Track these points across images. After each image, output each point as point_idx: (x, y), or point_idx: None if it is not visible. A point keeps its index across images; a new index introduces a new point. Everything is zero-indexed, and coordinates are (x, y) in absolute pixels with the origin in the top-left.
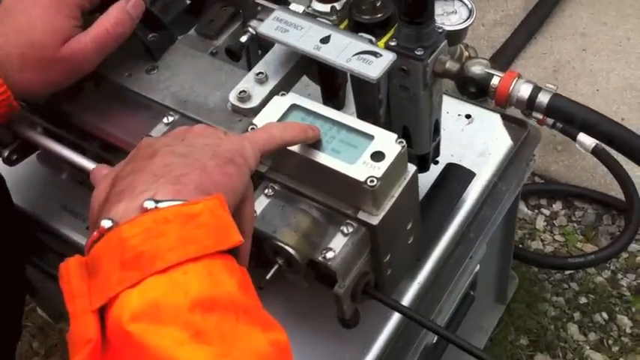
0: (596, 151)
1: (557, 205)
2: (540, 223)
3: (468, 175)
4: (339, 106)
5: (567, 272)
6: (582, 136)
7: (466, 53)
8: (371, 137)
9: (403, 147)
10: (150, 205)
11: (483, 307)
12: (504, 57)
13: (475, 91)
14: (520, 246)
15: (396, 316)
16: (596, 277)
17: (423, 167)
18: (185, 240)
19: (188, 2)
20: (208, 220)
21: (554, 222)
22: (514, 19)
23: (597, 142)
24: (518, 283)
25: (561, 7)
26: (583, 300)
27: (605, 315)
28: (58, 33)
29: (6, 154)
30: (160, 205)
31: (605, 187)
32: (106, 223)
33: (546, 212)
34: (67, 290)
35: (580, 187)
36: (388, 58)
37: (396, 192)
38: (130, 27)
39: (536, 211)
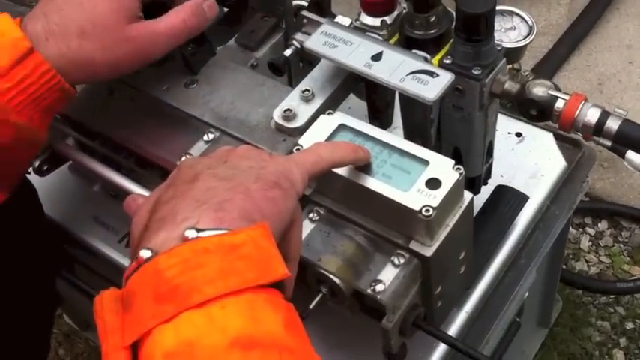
0: None
1: (603, 225)
2: (585, 242)
3: (520, 199)
4: (386, 124)
5: (613, 296)
6: (631, 154)
7: (509, 66)
8: (426, 163)
9: (461, 174)
10: (191, 234)
11: (526, 331)
12: (547, 68)
13: (536, 114)
14: (564, 267)
15: (441, 347)
16: None
17: (473, 190)
18: (225, 272)
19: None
20: (251, 252)
21: (600, 242)
22: (557, 29)
23: None
24: (562, 305)
25: (606, 18)
26: (630, 325)
27: None
28: (123, 11)
29: (37, 164)
30: (202, 234)
31: None
32: (144, 253)
33: (591, 232)
34: (100, 325)
35: (627, 206)
36: (446, 78)
37: (452, 221)
38: (204, 23)
39: (581, 230)
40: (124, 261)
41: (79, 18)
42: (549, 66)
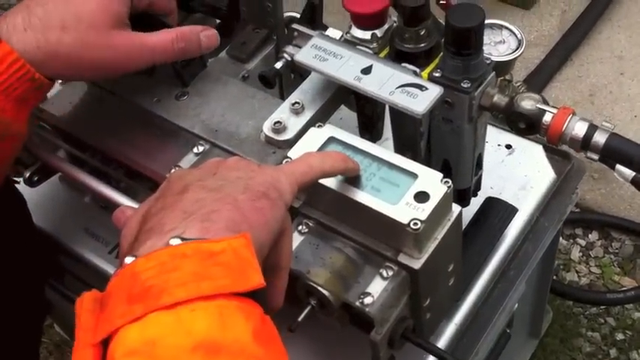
0: (635, 181)
1: (594, 236)
2: (576, 253)
3: (509, 211)
4: (376, 137)
5: (603, 307)
6: (621, 165)
7: (500, 77)
8: (414, 176)
9: (449, 187)
10: (175, 242)
11: (516, 342)
12: (539, 79)
13: (525, 127)
14: (555, 277)
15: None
16: (634, 312)
17: (462, 201)
18: (199, 276)
19: (217, 22)
20: (230, 260)
21: (590, 253)
22: (549, 40)
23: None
24: (553, 316)
25: (598, 29)
26: (620, 336)
27: None
28: (111, 14)
29: (27, 175)
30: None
31: None
32: (128, 260)
33: (582, 242)
34: (76, 325)
35: (617, 217)
36: (435, 92)
37: (440, 234)
38: (195, 51)
39: (572, 241)
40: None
41: (63, 12)
42: (541, 77)
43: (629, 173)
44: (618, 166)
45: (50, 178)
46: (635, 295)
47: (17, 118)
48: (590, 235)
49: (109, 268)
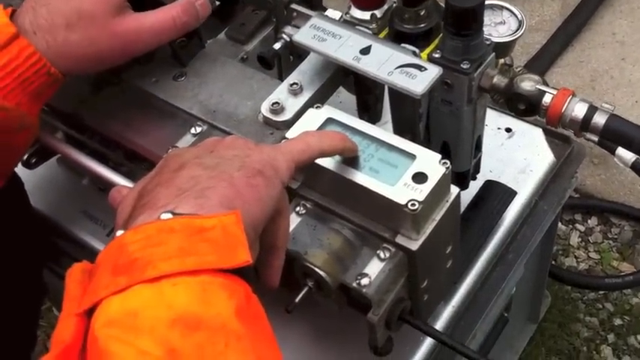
0: (635, 166)
1: (593, 221)
2: (575, 239)
3: (508, 194)
4: (375, 119)
5: (602, 292)
6: (621, 150)
7: (501, 61)
8: (413, 157)
9: (447, 168)
10: (166, 217)
11: (515, 327)
12: (540, 64)
13: (524, 108)
14: (553, 262)
15: (428, 341)
16: (632, 298)
17: (462, 184)
18: (185, 251)
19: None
20: (218, 236)
21: (589, 238)
22: (550, 25)
23: (638, 156)
24: (551, 301)
25: (599, 14)
26: (618, 322)
27: None
28: (109, 3)
29: (25, 157)
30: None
31: None
32: (119, 233)
33: (581, 228)
34: (64, 295)
35: (617, 202)
36: (434, 72)
37: (438, 215)
38: (194, 23)
39: (571, 226)
40: None
41: (65, 10)
42: (542, 62)
43: (629, 158)
44: (618, 152)
45: (48, 161)
46: (634, 280)
47: (31, 112)
48: (589, 221)
49: None
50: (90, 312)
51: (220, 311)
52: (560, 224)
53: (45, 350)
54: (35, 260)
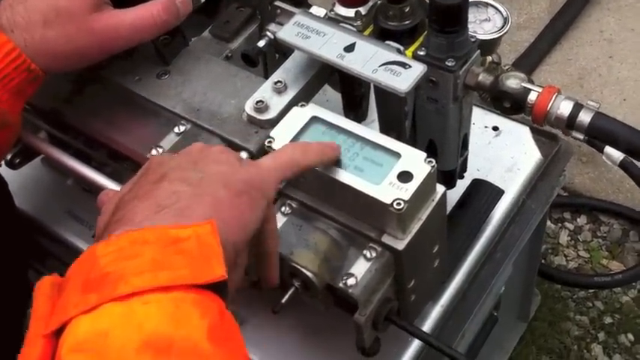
0: (623, 164)
1: (582, 220)
2: (564, 237)
3: (495, 193)
4: (361, 117)
5: (592, 290)
6: (610, 148)
7: (489, 59)
8: (398, 155)
9: (433, 167)
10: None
11: (504, 325)
12: (528, 62)
13: (510, 106)
14: (543, 261)
15: (416, 342)
16: (622, 296)
17: (448, 183)
18: (158, 265)
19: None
20: (193, 247)
21: (579, 237)
22: (538, 23)
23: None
24: (541, 300)
25: (587, 12)
26: (608, 320)
27: (631, 336)
28: (87, 0)
29: (9, 157)
30: None
31: (632, 202)
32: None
33: (570, 226)
34: (32, 311)
35: (606, 200)
36: (418, 69)
37: (424, 214)
38: (174, 21)
39: (560, 225)
40: None
41: (42, 7)
42: (530, 60)
43: (618, 156)
44: (607, 150)
45: (33, 161)
46: (623, 278)
47: (13, 110)
48: (578, 219)
49: None
50: (58, 331)
51: (191, 332)
52: (549, 223)
53: None
54: (20, 260)
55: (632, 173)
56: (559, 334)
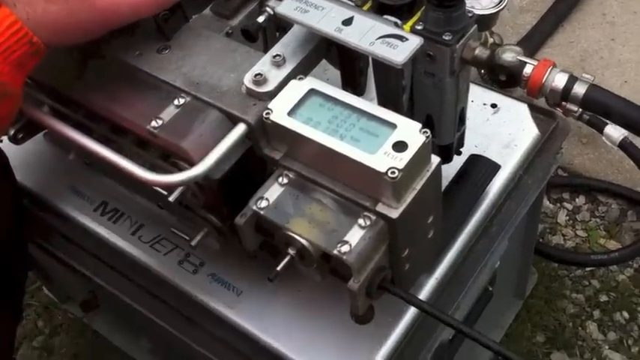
0: (623, 145)
1: (581, 200)
2: (562, 217)
3: (492, 168)
4: (359, 92)
5: (588, 269)
6: (610, 129)
7: (491, 40)
8: (393, 126)
9: (427, 137)
10: None
11: (500, 302)
12: (530, 45)
13: (505, 79)
14: (540, 240)
15: (410, 312)
16: (618, 274)
17: (445, 158)
18: None
19: None
20: None
21: (577, 217)
22: (541, 6)
23: (625, 135)
24: (538, 278)
25: None
26: (604, 298)
27: (626, 314)
28: None
29: (12, 132)
30: None
31: (631, 182)
32: None
33: (569, 206)
34: None
35: (605, 181)
36: (415, 42)
37: (418, 184)
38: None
39: (559, 204)
40: (100, 230)
41: None
42: (532, 43)
43: (617, 137)
44: (606, 130)
45: (35, 137)
46: (620, 256)
47: (14, 82)
48: (577, 199)
49: (94, 226)
50: None
51: None
52: (547, 203)
53: (35, 329)
54: (20, 236)
55: (632, 154)
56: (554, 311)
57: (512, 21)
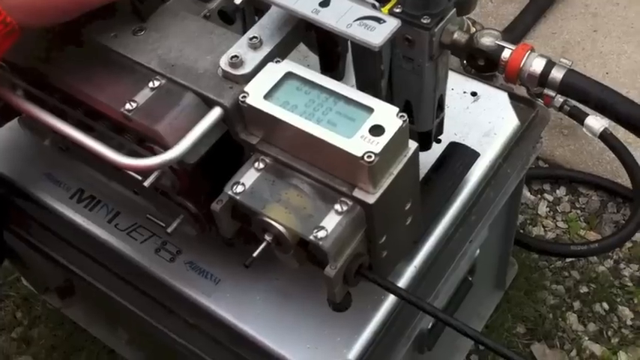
0: (603, 136)
1: (561, 191)
2: (543, 208)
3: (471, 156)
4: (338, 77)
5: (568, 260)
6: (590, 120)
7: (473, 29)
8: (370, 110)
9: (404, 121)
10: None
11: (481, 293)
12: (513, 35)
13: (484, 64)
14: (521, 231)
15: (389, 300)
16: (598, 266)
17: (424, 145)
18: None
19: None
20: None
21: (557, 208)
22: None
23: (605, 126)
24: (518, 269)
25: None
26: (584, 289)
27: (605, 305)
28: None
29: None
30: None
31: (611, 174)
32: None
33: (549, 198)
34: None
35: (585, 172)
36: (392, 24)
37: (395, 169)
38: None
39: (539, 196)
40: (76, 217)
41: None
42: (515, 33)
43: (598, 128)
44: (587, 122)
45: (10, 123)
46: (599, 247)
47: None
48: (557, 191)
49: (70, 214)
50: None
51: None
52: (528, 194)
53: (14, 320)
54: None
55: (612, 145)
56: (535, 302)
57: (495, 12)
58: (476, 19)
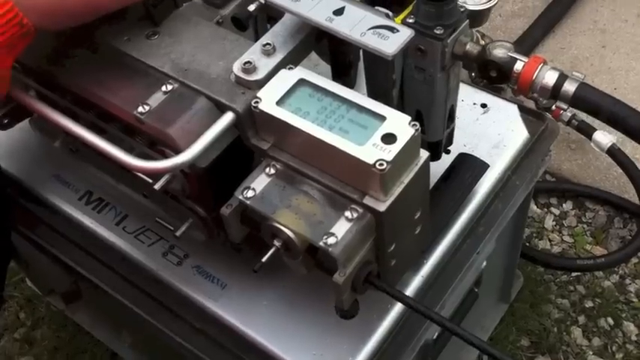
0: (611, 151)
1: (568, 205)
2: (549, 222)
3: (480, 167)
4: (349, 85)
5: (574, 274)
6: (598, 135)
7: (482, 42)
8: (382, 118)
9: (417, 130)
10: None
11: (486, 305)
12: (521, 49)
13: (496, 75)
14: (527, 244)
15: (396, 310)
16: (603, 281)
17: (434, 155)
18: None
19: None
20: None
21: (564, 222)
22: (533, 12)
23: (613, 142)
24: (523, 282)
25: (581, 2)
26: (589, 304)
27: (610, 320)
28: None
29: None
30: None
31: (618, 189)
32: None
33: (556, 212)
34: None
35: (592, 187)
36: (406, 34)
37: (406, 178)
38: None
39: (546, 209)
40: (84, 219)
41: None
42: (523, 48)
43: (606, 143)
44: (595, 137)
45: (21, 124)
46: (606, 262)
47: (3, 64)
48: (564, 205)
49: (79, 215)
50: None
51: None
52: (535, 207)
53: (17, 321)
54: (2, 223)
55: (620, 160)
56: (539, 316)
57: (503, 25)
58: (485, 32)
